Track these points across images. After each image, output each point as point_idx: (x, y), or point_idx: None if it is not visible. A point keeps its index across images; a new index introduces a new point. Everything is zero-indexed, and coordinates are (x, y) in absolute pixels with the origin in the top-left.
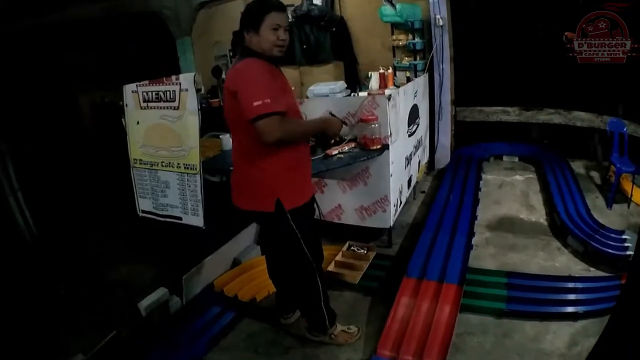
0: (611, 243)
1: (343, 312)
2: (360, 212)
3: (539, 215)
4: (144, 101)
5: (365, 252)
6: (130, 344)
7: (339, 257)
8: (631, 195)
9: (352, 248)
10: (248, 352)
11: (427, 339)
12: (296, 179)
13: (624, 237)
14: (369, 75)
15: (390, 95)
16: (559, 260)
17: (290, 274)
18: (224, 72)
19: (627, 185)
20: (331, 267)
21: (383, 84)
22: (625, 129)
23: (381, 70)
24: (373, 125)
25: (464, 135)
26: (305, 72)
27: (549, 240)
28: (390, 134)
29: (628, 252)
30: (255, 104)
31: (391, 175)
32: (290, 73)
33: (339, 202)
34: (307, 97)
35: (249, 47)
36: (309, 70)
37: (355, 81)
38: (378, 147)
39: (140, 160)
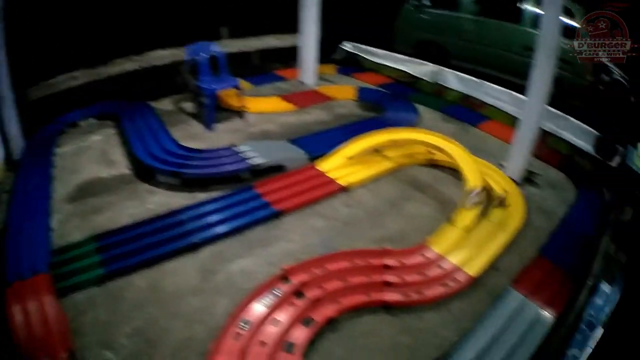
0: (220, 162)
1: None
2: None
3: (121, 167)
4: None
5: None
6: None
7: None
8: (243, 108)
9: None
10: None
11: (47, 336)
12: None
13: (238, 149)
14: None
15: None
16: (153, 201)
17: None
18: None
19: (233, 100)
20: None
21: None
22: (215, 49)
23: None
24: None
25: (38, 115)
26: None
27: (135, 187)
28: None
29: (250, 162)
30: None
31: None
32: None
33: None
34: None
35: None
36: None
37: None
38: None
39: None
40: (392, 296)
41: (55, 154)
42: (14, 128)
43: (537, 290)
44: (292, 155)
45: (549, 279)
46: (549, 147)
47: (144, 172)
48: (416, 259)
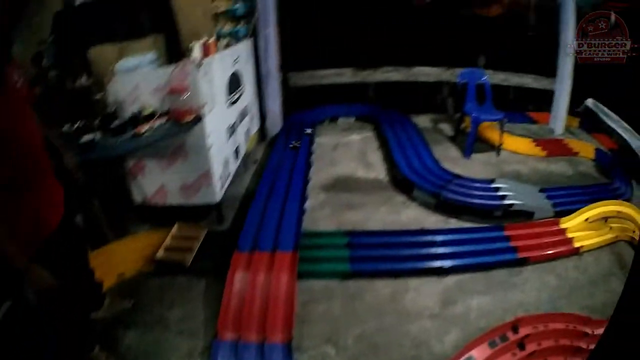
0: (478, 193)
1: (177, 298)
2: (185, 190)
3: (378, 172)
4: None
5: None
6: None
7: (167, 242)
8: (501, 143)
9: (180, 231)
10: None
11: (267, 314)
12: None
13: (495, 185)
14: (191, 45)
15: (200, 62)
16: (407, 215)
17: None
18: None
19: (492, 134)
20: (160, 254)
21: (206, 53)
22: (485, 78)
23: (203, 40)
24: (184, 96)
25: (297, 101)
26: (125, 49)
27: (390, 196)
28: (205, 104)
29: (506, 202)
30: None
31: (210, 148)
32: (108, 52)
33: (161, 182)
34: (114, 74)
35: None
36: (129, 46)
37: (178, 53)
38: (191, 118)
39: None
40: None
41: (313, 142)
42: (275, 107)
43: None
44: (543, 205)
45: None
46: None
47: (401, 184)
48: None
